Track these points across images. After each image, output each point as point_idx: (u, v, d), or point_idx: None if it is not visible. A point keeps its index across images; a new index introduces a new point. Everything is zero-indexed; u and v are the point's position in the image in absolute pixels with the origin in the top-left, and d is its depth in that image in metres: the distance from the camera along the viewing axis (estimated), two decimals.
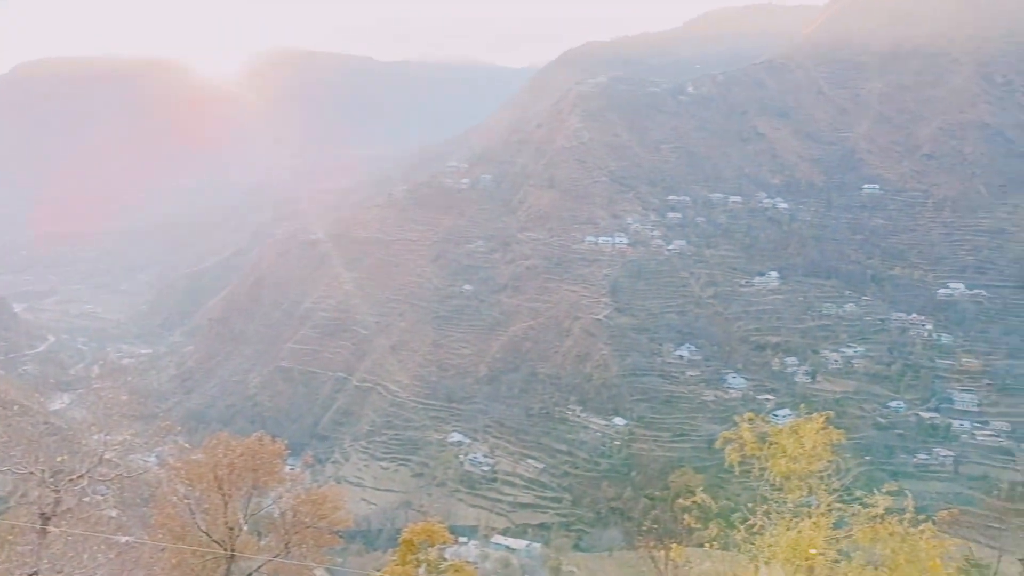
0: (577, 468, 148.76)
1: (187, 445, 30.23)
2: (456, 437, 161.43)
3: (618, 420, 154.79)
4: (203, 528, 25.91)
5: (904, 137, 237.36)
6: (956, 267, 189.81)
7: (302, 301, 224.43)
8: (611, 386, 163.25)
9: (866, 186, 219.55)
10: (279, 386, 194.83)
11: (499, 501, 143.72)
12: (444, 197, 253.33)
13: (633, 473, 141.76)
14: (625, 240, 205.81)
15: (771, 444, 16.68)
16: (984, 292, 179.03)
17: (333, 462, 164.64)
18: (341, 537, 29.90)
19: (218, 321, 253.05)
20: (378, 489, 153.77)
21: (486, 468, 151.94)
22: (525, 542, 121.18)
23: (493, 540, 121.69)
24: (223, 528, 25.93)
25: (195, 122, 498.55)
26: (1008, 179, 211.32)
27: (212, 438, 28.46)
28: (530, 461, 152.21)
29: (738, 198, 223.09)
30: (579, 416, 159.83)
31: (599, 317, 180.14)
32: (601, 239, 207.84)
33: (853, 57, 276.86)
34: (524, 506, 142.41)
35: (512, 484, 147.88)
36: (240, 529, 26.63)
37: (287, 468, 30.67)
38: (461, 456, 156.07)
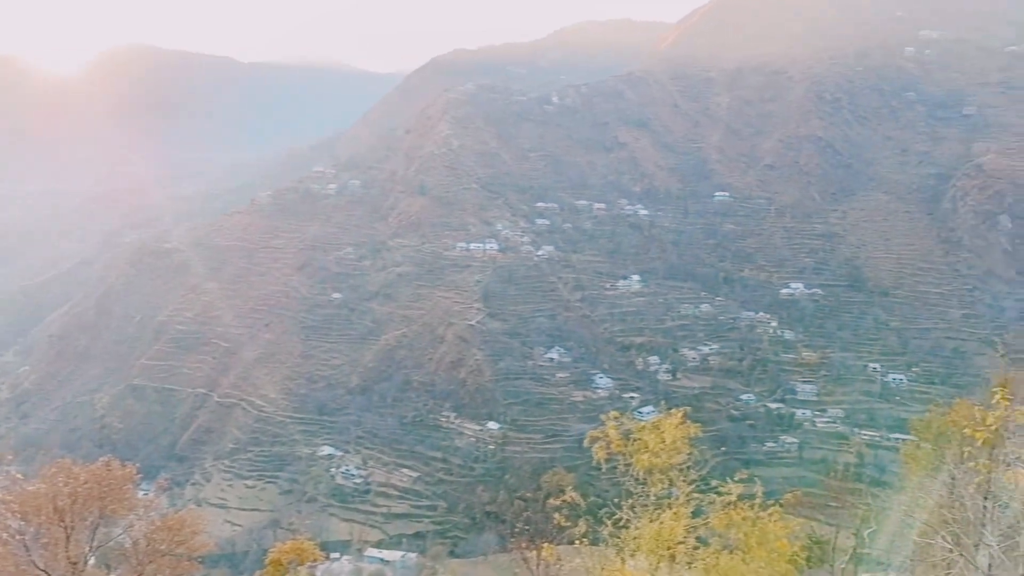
0: (452, 475, 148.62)
1: (21, 475, 27.39)
2: (327, 450, 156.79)
3: (492, 424, 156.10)
4: (41, 566, 23.60)
5: (749, 148, 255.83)
6: (796, 268, 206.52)
7: (156, 314, 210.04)
8: (485, 391, 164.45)
9: (717, 194, 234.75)
10: (131, 406, 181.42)
11: (373, 513, 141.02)
12: (311, 203, 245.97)
13: (507, 476, 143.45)
14: (496, 246, 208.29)
15: (634, 441, 17.35)
16: (820, 291, 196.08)
17: (193, 484, 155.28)
18: (202, 563, 28.20)
19: (59, 338, 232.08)
20: (243, 509, 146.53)
21: (359, 480, 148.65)
22: (400, 553, 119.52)
23: (367, 554, 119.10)
24: (65, 564, 23.74)
25: (36, 123, 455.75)
26: (838, 188, 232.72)
27: (51, 465, 25.98)
28: (404, 470, 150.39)
29: (602, 205, 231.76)
30: (453, 422, 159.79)
31: (472, 323, 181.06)
32: (472, 245, 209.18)
33: (703, 72, 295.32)
34: (399, 516, 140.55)
35: (386, 495, 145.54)
36: (85, 563, 24.49)
37: (140, 494, 28.55)
38: (332, 469, 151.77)
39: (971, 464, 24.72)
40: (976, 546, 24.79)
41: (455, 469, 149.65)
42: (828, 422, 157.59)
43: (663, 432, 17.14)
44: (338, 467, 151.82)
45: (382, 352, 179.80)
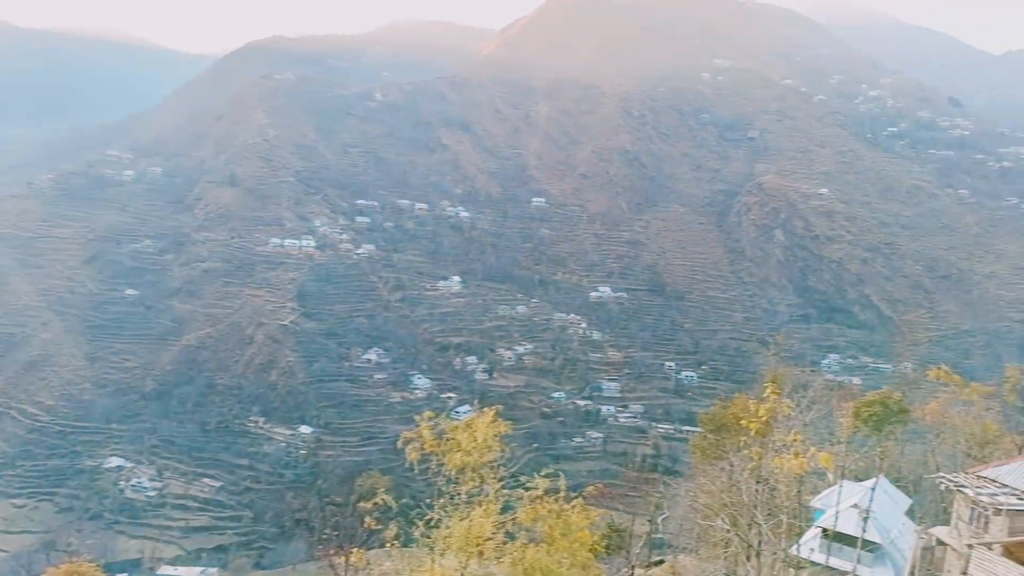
0: (260, 482, 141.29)
1: None
2: (115, 462, 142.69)
3: (304, 428, 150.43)
4: None
5: (566, 157, 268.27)
6: (604, 272, 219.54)
7: None
8: (297, 394, 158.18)
9: (535, 199, 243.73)
10: None
11: (168, 528, 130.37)
12: (102, 190, 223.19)
13: (319, 481, 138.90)
14: (313, 243, 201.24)
15: (448, 440, 17.44)
16: (625, 294, 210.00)
17: None
18: None
19: None
20: (10, 532, 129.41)
21: (152, 493, 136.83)
22: (199, 569, 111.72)
23: (160, 572, 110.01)
24: None
25: None
26: (643, 198, 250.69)
27: None
28: (205, 480, 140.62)
29: (424, 205, 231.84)
30: (262, 427, 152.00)
31: (285, 323, 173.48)
32: (287, 241, 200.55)
33: (524, 80, 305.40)
34: (198, 530, 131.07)
35: (184, 507, 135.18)
36: None
37: None
38: (121, 483, 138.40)
39: (746, 452, 27.74)
40: (749, 526, 27.75)
41: (263, 476, 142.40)
42: (630, 417, 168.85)
43: (475, 431, 17.37)
44: (128, 480, 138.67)
45: (183, 354, 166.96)
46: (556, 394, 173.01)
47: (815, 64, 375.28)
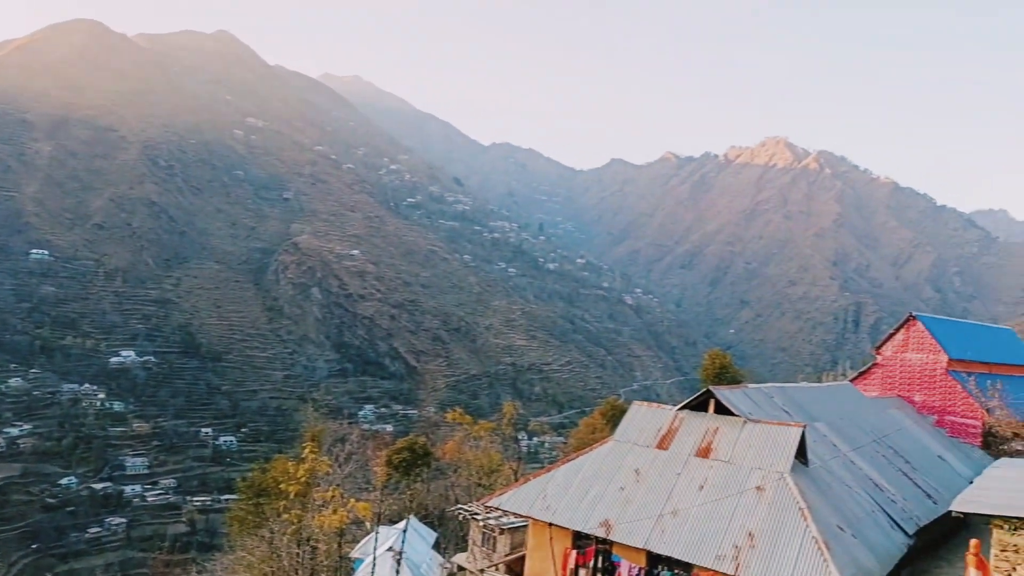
0: None
1: None
2: None
3: None
4: None
5: (75, 204, 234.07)
6: (128, 335, 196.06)
7: None
8: None
9: (34, 251, 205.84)
10: None
11: None
12: None
13: None
14: None
15: None
16: (153, 358, 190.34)
17: None
18: None
19: None
20: None
21: None
22: None
23: None
24: None
25: None
26: (172, 254, 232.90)
27: None
28: None
29: None
30: None
31: None
32: None
33: (19, 113, 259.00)
34: None
35: None
36: None
37: None
38: None
39: (286, 516, 27.46)
40: None
41: None
42: (160, 494, 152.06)
43: None
44: None
45: None
46: (65, 480, 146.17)
47: (343, 135, 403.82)
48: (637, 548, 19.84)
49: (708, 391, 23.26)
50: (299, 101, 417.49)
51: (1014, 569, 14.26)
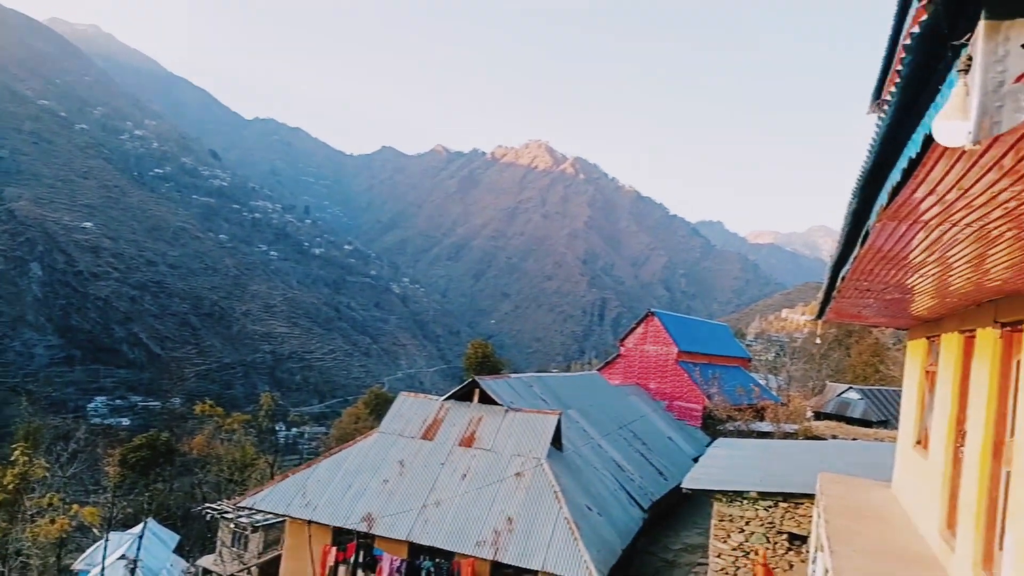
0: None
1: None
2: None
3: None
4: None
5: None
6: None
7: None
8: None
9: None
10: None
11: None
12: None
13: None
14: None
15: None
16: None
17: None
18: None
19: None
20: None
21: None
22: None
23: None
24: None
25: None
26: None
27: None
28: None
29: None
30: None
31: None
32: None
33: None
34: None
35: None
36: None
37: None
38: None
39: None
40: None
41: None
42: None
43: None
44: None
45: None
46: None
47: (76, 92, 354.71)
48: (399, 540, 19.76)
49: (474, 381, 23.85)
50: (18, 45, 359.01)
51: (728, 536, 16.41)
